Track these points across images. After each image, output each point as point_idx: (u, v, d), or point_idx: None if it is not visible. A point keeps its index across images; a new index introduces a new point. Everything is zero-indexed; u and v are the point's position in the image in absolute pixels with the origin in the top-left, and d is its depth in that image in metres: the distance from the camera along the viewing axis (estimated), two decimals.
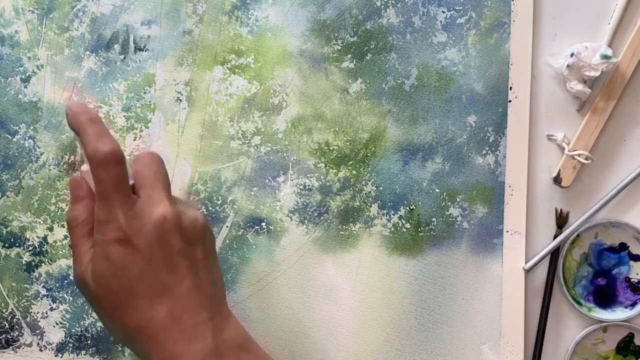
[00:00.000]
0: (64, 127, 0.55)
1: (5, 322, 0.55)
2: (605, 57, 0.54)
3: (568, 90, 0.56)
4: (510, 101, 0.56)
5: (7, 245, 0.55)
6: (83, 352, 0.55)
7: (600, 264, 0.57)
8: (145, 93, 0.56)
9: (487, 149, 0.56)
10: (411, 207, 0.56)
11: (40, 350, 0.55)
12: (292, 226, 0.56)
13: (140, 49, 0.55)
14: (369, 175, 0.56)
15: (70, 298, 0.55)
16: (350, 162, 0.56)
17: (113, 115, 0.55)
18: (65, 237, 0.55)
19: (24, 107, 0.55)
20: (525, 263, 0.56)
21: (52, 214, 0.55)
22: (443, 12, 0.56)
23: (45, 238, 0.55)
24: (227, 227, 0.56)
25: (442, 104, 0.56)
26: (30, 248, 0.55)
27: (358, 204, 0.56)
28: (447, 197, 0.56)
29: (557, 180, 0.56)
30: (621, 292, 0.57)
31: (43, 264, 0.55)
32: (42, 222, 0.55)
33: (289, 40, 0.56)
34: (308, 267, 0.56)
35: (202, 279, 0.42)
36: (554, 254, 0.56)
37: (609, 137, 0.57)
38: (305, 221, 0.56)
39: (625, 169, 0.57)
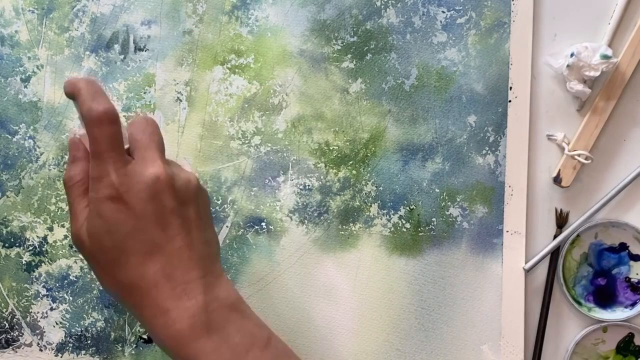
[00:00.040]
0: (64, 127, 0.55)
1: (5, 322, 0.55)
2: (605, 57, 0.54)
3: (568, 90, 0.56)
4: (510, 101, 0.56)
5: (7, 245, 0.55)
6: (83, 352, 0.55)
7: (600, 264, 0.57)
8: (145, 93, 0.56)
9: (487, 149, 0.56)
10: (411, 207, 0.56)
11: (40, 350, 0.55)
12: (292, 226, 0.56)
13: (140, 49, 0.55)
14: (369, 175, 0.56)
15: (70, 298, 0.55)
16: (350, 162, 0.56)
17: None
18: (65, 237, 0.55)
19: (24, 107, 0.55)
20: (525, 263, 0.56)
21: (52, 214, 0.55)
22: (443, 12, 0.56)
23: (45, 238, 0.55)
24: (227, 227, 0.56)
25: (442, 104, 0.56)
26: (30, 248, 0.55)
27: (358, 204, 0.56)
28: (447, 197, 0.56)
29: (557, 180, 0.56)
30: (621, 292, 0.57)
31: (43, 264, 0.55)
32: (42, 222, 0.55)
33: (289, 40, 0.56)
34: (308, 267, 0.56)
35: (194, 238, 0.43)
36: (554, 254, 0.56)
37: (609, 137, 0.57)
38: (305, 221, 0.56)
39: (625, 169, 0.57)
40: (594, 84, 0.56)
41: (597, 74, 0.54)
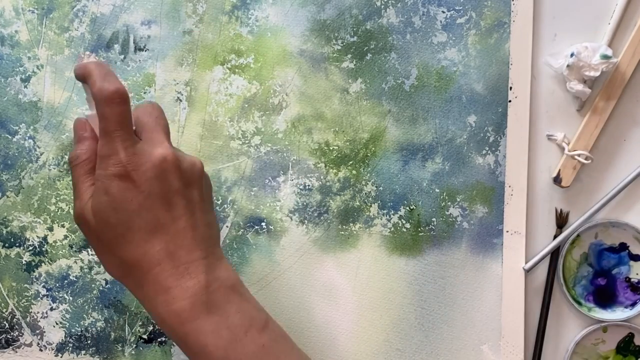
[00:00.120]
0: (64, 127, 0.55)
1: (5, 322, 0.55)
2: (605, 57, 0.54)
3: (568, 90, 0.56)
4: (510, 101, 0.56)
5: (7, 245, 0.55)
6: (83, 352, 0.55)
7: (600, 264, 0.57)
8: (145, 93, 0.56)
9: (487, 149, 0.56)
10: (411, 207, 0.56)
11: (40, 350, 0.55)
12: (292, 226, 0.56)
13: (140, 49, 0.55)
14: (369, 175, 0.56)
15: (70, 298, 0.55)
16: (350, 162, 0.56)
17: None
18: (66, 237, 0.55)
19: (24, 107, 0.55)
20: (525, 263, 0.56)
21: (52, 214, 0.55)
22: (443, 12, 0.56)
23: (45, 238, 0.55)
24: (227, 227, 0.56)
25: (442, 104, 0.56)
26: (30, 248, 0.55)
27: (358, 204, 0.56)
28: (447, 197, 0.56)
29: (557, 180, 0.56)
30: (621, 292, 0.57)
31: (43, 264, 0.55)
32: (42, 222, 0.55)
33: (289, 40, 0.56)
34: (308, 267, 0.56)
35: (198, 219, 0.43)
36: (554, 254, 0.56)
37: (609, 137, 0.57)
38: (305, 221, 0.56)
39: (625, 169, 0.57)
40: (594, 84, 0.56)
41: (597, 74, 0.54)
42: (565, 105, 0.57)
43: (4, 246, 0.55)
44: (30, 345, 0.55)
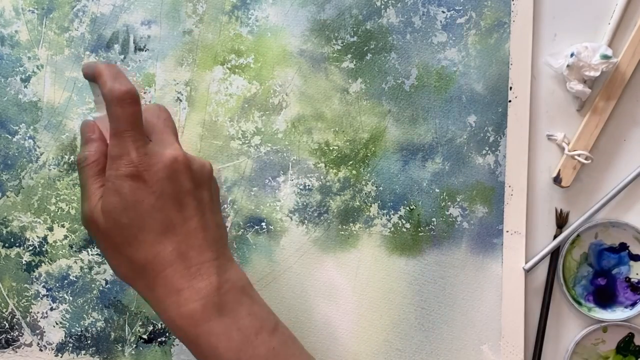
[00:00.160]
0: (64, 127, 0.55)
1: (5, 322, 0.55)
2: (605, 57, 0.54)
3: (568, 90, 0.56)
4: (510, 101, 0.56)
5: (7, 245, 0.55)
6: (83, 352, 0.55)
7: (600, 264, 0.57)
8: (145, 93, 0.56)
9: (487, 149, 0.56)
10: (411, 207, 0.56)
11: (40, 350, 0.55)
12: (292, 226, 0.56)
13: (140, 49, 0.55)
14: (369, 175, 0.56)
15: (70, 298, 0.55)
16: (350, 162, 0.56)
17: None
18: (66, 237, 0.55)
19: (24, 107, 0.55)
20: (525, 263, 0.56)
21: (52, 214, 0.55)
22: (443, 12, 0.56)
23: (45, 238, 0.55)
24: (227, 227, 0.56)
25: (442, 104, 0.56)
26: (30, 248, 0.55)
27: (358, 204, 0.56)
28: (447, 197, 0.56)
29: (557, 180, 0.56)
30: (621, 292, 0.57)
31: (43, 264, 0.55)
32: (42, 222, 0.55)
33: (289, 40, 0.56)
34: (308, 267, 0.56)
35: (209, 220, 0.43)
36: (554, 254, 0.56)
37: (609, 137, 0.57)
38: (305, 221, 0.56)
39: (625, 169, 0.57)
40: (594, 84, 0.56)
41: (597, 74, 0.54)
42: (565, 105, 0.57)
43: (4, 246, 0.55)
44: (30, 345, 0.55)
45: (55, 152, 0.55)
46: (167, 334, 0.56)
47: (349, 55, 0.56)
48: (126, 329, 0.56)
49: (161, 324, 0.56)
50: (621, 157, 0.57)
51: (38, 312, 0.55)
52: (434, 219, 0.56)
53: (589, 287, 0.57)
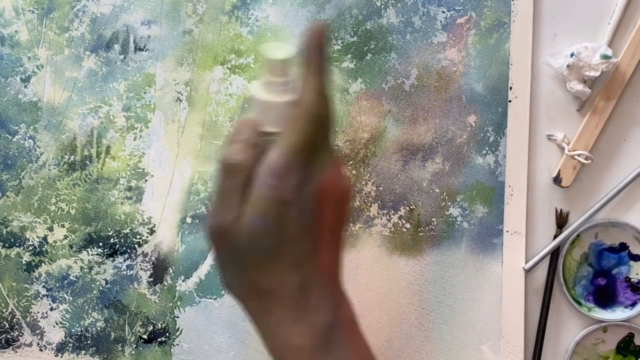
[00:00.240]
0: (64, 127, 0.55)
1: (5, 322, 0.55)
2: (605, 57, 0.54)
3: (568, 90, 0.56)
4: (510, 101, 0.56)
5: (7, 245, 0.55)
6: (83, 352, 0.55)
7: (600, 264, 0.57)
8: (145, 93, 0.56)
9: (487, 149, 0.56)
10: (411, 207, 0.56)
11: (40, 350, 0.55)
12: None
13: (140, 49, 0.55)
14: (369, 175, 0.56)
15: (70, 298, 0.55)
16: (350, 162, 0.56)
17: (113, 115, 0.55)
18: (66, 237, 0.55)
19: (24, 107, 0.55)
20: (525, 263, 0.56)
21: (52, 214, 0.55)
22: (443, 12, 0.56)
23: (45, 238, 0.55)
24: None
25: (442, 104, 0.56)
26: (30, 248, 0.55)
27: (358, 204, 0.56)
28: (447, 197, 0.56)
29: (557, 180, 0.56)
30: (621, 292, 0.57)
31: (43, 264, 0.55)
32: (42, 222, 0.55)
33: (289, 40, 0.56)
34: None
35: (339, 255, 0.41)
36: (554, 254, 0.56)
37: (609, 137, 0.57)
38: None
39: (625, 169, 0.57)
40: (594, 84, 0.56)
41: (597, 74, 0.54)
42: (565, 105, 0.57)
43: (4, 246, 0.55)
44: (30, 345, 0.55)
45: (55, 152, 0.55)
46: (167, 334, 0.56)
47: (349, 55, 0.56)
48: (126, 329, 0.56)
49: (161, 324, 0.56)
50: (621, 157, 0.57)
51: (38, 312, 0.55)
52: (434, 219, 0.56)
53: (589, 287, 0.57)
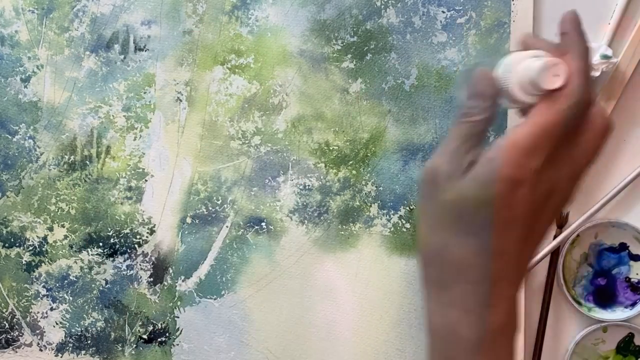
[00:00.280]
0: (64, 127, 0.55)
1: (5, 322, 0.55)
2: (605, 57, 0.54)
3: None
4: None
5: (7, 245, 0.55)
6: (83, 352, 0.55)
7: (600, 264, 0.57)
8: (145, 93, 0.56)
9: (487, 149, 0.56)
10: (411, 207, 0.56)
11: (40, 350, 0.55)
12: (292, 226, 0.56)
13: (140, 49, 0.55)
14: (369, 175, 0.56)
15: (70, 298, 0.55)
16: (350, 162, 0.56)
17: (113, 115, 0.55)
18: (66, 237, 0.55)
19: (24, 107, 0.55)
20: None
21: (52, 214, 0.55)
22: (443, 12, 0.56)
23: (45, 238, 0.55)
24: (227, 227, 0.56)
25: (442, 104, 0.56)
26: (30, 248, 0.55)
27: (358, 204, 0.56)
28: None
29: None
30: (621, 292, 0.57)
31: (43, 264, 0.55)
32: (42, 222, 0.55)
33: (289, 40, 0.56)
34: (308, 267, 0.56)
35: (531, 257, 0.38)
36: (554, 254, 0.56)
37: (609, 137, 0.57)
38: (305, 221, 0.56)
39: (625, 169, 0.57)
40: (594, 84, 0.56)
41: (597, 74, 0.54)
42: None
43: (4, 246, 0.55)
44: (30, 345, 0.55)
45: (55, 152, 0.55)
46: (167, 334, 0.56)
47: (349, 55, 0.56)
48: (126, 329, 0.56)
49: (161, 324, 0.56)
50: (621, 157, 0.57)
51: (38, 312, 0.55)
52: None
53: (589, 287, 0.57)
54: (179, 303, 0.56)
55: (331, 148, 0.56)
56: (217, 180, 0.56)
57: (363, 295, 0.56)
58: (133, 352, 0.55)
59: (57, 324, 0.55)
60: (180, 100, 0.56)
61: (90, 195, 0.55)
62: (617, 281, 0.57)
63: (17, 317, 0.55)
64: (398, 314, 0.56)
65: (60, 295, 0.55)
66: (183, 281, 0.56)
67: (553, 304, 0.57)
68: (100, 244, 0.55)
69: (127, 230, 0.56)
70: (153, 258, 0.56)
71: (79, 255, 0.55)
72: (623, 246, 0.57)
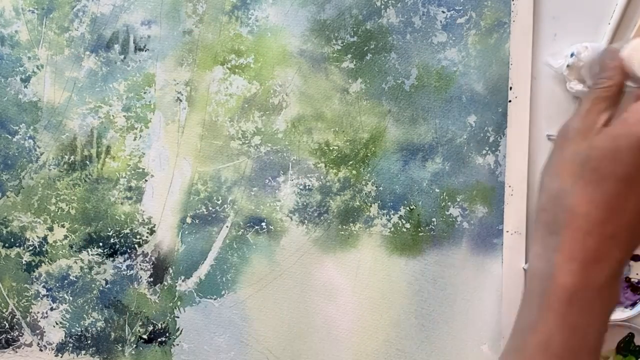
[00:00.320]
0: (64, 127, 0.55)
1: (5, 322, 0.55)
2: None
3: (568, 90, 0.56)
4: (510, 101, 0.56)
5: (7, 245, 0.55)
6: (83, 352, 0.55)
7: None
8: (145, 93, 0.56)
9: (487, 149, 0.56)
10: (411, 207, 0.56)
11: (40, 350, 0.55)
12: (292, 226, 0.56)
13: (140, 49, 0.55)
14: (369, 175, 0.56)
15: (70, 298, 0.55)
16: (350, 162, 0.56)
17: (113, 115, 0.55)
18: (66, 237, 0.55)
19: (24, 107, 0.55)
20: (526, 263, 0.56)
21: (52, 214, 0.55)
22: (443, 12, 0.56)
23: (45, 238, 0.55)
24: (227, 227, 0.56)
25: (442, 104, 0.56)
26: (30, 248, 0.55)
27: (358, 204, 0.56)
28: (447, 197, 0.56)
29: None
30: (621, 292, 0.57)
31: (43, 264, 0.55)
32: (42, 222, 0.55)
33: (289, 40, 0.56)
34: (308, 267, 0.56)
35: None
36: None
37: None
38: (305, 221, 0.56)
39: None
40: None
41: None
42: (565, 105, 0.57)
43: (4, 246, 0.55)
44: (30, 345, 0.55)
45: (55, 152, 0.55)
46: (167, 334, 0.56)
47: (349, 55, 0.56)
48: (126, 329, 0.56)
49: (161, 324, 0.56)
50: None
51: (38, 312, 0.55)
52: (434, 219, 0.56)
53: None
54: (179, 303, 0.56)
55: (331, 148, 0.56)
56: (217, 180, 0.56)
57: (363, 295, 0.56)
58: (133, 352, 0.55)
59: (57, 324, 0.55)
60: (180, 100, 0.56)
61: (90, 195, 0.55)
62: None
63: (17, 317, 0.55)
64: (398, 314, 0.56)
65: (60, 295, 0.55)
66: (183, 281, 0.56)
67: None
68: (100, 244, 0.55)
69: (127, 230, 0.56)
70: (153, 258, 0.56)
71: (79, 255, 0.55)
72: None
